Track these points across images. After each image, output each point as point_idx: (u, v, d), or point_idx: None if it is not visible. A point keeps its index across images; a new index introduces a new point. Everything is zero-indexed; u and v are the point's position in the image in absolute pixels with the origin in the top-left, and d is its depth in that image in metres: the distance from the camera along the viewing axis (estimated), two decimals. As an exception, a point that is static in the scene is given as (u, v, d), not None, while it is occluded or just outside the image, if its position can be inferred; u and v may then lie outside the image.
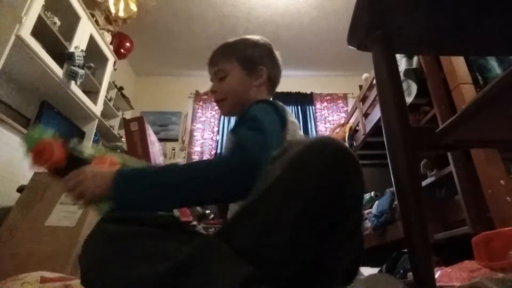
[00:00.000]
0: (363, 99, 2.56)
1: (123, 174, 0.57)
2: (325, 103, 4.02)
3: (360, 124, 2.55)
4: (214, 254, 0.41)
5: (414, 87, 1.63)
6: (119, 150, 2.92)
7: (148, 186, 0.55)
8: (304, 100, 4.01)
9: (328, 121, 3.88)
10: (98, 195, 0.56)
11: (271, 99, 0.82)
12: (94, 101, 2.51)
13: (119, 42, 3.05)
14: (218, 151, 3.75)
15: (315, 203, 0.42)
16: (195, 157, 3.68)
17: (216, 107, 3.98)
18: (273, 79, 0.87)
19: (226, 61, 0.83)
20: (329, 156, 0.44)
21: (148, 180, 0.56)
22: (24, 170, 1.58)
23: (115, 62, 2.90)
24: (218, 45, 0.88)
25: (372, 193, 2.41)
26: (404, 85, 1.67)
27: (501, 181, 1.15)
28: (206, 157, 3.62)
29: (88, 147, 0.66)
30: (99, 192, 0.56)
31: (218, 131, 3.84)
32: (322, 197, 0.43)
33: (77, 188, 0.57)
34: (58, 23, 2.12)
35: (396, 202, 1.89)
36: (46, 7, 1.99)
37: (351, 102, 3.87)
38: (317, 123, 3.87)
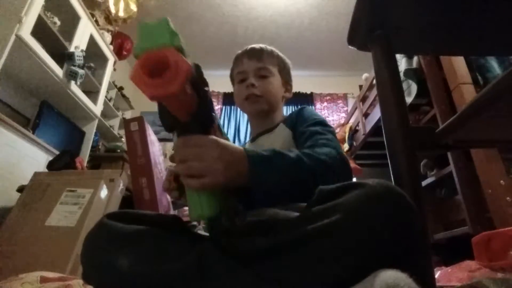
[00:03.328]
0: (363, 99, 2.56)
1: (256, 157, 0.48)
2: (325, 103, 4.03)
3: (360, 124, 2.55)
4: (215, 261, 0.41)
5: (414, 87, 1.63)
6: (119, 150, 2.92)
7: (287, 167, 0.50)
8: (304, 100, 4.02)
9: (328, 121, 3.88)
10: (217, 186, 0.43)
11: None
12: (94, 101, 2.51)
13: (120, 43, 3.05)
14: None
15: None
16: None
17: (217, 107, 3.99)
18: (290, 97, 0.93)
19: (272, 63, 0.85)
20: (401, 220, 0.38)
21: (286, 161, 0.51)
22: (24, 170, 1.58)
23: (115, 62, 2.90)
24: (258, 44, 0.87)
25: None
26: (404, 85, 1.67)
27: (501, 181, 1.15)
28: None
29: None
30: (216, 185, 0.43)
31: (218, 131, 3.84)
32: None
33: (195, 166, 0.42)
34: (58, 23, 2.12)
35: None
36: (46, 7, 1.99)
37: (351, 102, 3.87)
38: (317, 123, 3.86)
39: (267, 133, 0.84)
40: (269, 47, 0.88)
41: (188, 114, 0.41)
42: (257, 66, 0.83)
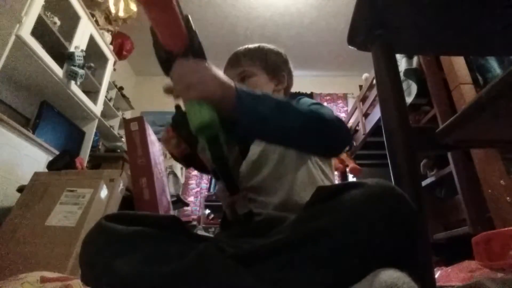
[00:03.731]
0: (363, 99, 2.56)
1: (244, 90, 0.51)
2: (325, 103, 4.03)
3: (360, 124, 2.55)
4: (215, 262, 0.41)
5: (414, 87, 1.63)
6: (119, 150, 2.92)
7: (275, 105, 0.53)
8: (304, 100, 4.02)
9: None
10: (209, 99, 0.46)
11: None
12: (94, 101, 2.51)
13: (120, 43, 3.05)
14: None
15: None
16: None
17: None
18: (289, 87, 0.92)
19: (251, 63, 0.85)
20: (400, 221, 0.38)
21: (274, 101, 0.53)
22: (24, 170, 1.58)
23: (115, 62, 2.90)
24: (238, 48, 0.89)
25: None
26: (404, 85, 1.67)
27: (501, 181, 1.15)
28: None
29: None
30: (213, 95, 0.47)
31: (218, 131, 3.84)
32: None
33: (193, 77, 0.46)
34: (58, 23, 2.12)
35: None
36: (46, 7, 1.99)
37: (351, 102, 3.88)
38: (317, 123, 3.87)
39: None
40: (250, 47, 0.88)
41: (181, 47, 0.47)
42: (237, 72, 0.84)
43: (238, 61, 0.85)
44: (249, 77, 0.83)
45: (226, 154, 0.53)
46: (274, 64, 0.88)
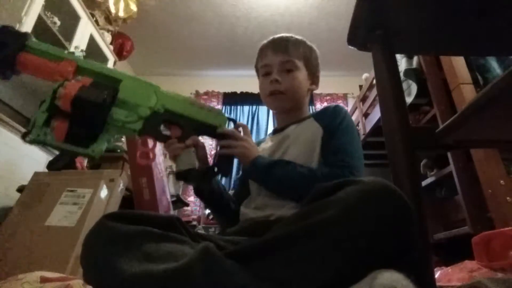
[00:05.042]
0: (363, 99, 2.56)
1: (262, 160, 0.70)
2: (325, 103, 4.02)
3: (360, 124, 2.55)
4: (215, 261, 0.41)
5: (414, 87, 1.63)
6: (119, 150, 2.92)
7: (275, 178, 0.69)
8: (304, 100, 4.01)
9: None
10: (239, 157, 0.70)
11: None
12: (94, 101, 2.50)
13: (121, 43, 3.04)
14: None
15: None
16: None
17: (217, 107, 4.00)
18: (314, 90, 0.90)
19: (298, 56, 0.81)
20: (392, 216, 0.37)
21: (278, 172, 0.68)
22: (24, 170, 1.58)
23: (115, 62, 2.89)
24: (282, 34, 0.85)
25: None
26: (404, 85, 1.67)
27: (501, 181, 1.15)
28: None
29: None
30: (241, 157, 0.70)
31: (218, 131, 3.84)
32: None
33: (239, 145, 0.69)
34: (58, 23, 2.12)
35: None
36: (46, 7, 1.99)
37: (351, 102, 3.87)
38: (317, 123, 3.86)
39: (295, 124, 0.82)
40: (295, 37, 0.84)
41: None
42: (282, 60, 0.80)
43: (286, 49, 0.80)
44: (293, 71, 0.80)
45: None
46: (314, 63, 0.86)
